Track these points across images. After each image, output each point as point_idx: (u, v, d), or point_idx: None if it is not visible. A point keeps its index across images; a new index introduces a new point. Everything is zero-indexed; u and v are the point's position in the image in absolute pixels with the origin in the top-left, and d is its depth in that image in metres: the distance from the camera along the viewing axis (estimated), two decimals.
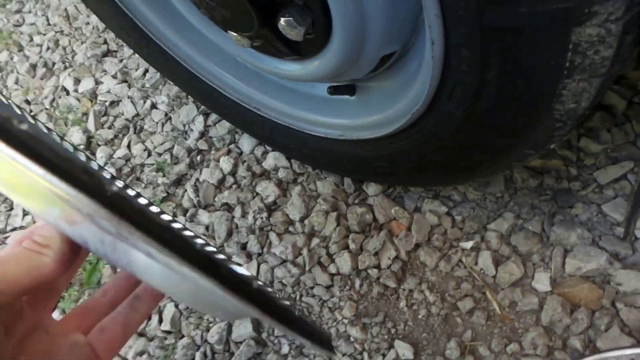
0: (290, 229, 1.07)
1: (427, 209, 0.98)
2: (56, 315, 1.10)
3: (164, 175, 1.26)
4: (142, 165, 1.33)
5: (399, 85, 0.77)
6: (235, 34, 0.74)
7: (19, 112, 0.29)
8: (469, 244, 0.91)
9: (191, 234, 0.33)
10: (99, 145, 1.45)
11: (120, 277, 0.41)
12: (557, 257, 0.85)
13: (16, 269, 0.29)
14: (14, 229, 1.35)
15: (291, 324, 0.33)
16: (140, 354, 1.00)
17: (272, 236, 1.07)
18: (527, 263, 0.88)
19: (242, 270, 0.32)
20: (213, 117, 1.31)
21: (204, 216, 1.15)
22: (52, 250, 0.30)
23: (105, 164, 1.38)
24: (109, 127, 1.48)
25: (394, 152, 0.82)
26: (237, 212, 1.14)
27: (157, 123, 1.39)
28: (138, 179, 1.31)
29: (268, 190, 1.13)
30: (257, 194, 1.15)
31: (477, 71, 0.54)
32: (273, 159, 1.17)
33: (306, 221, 1.06)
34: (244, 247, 1.08)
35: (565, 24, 0.44)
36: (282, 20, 0.65)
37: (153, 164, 1.30)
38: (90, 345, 0.35)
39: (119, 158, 1.36)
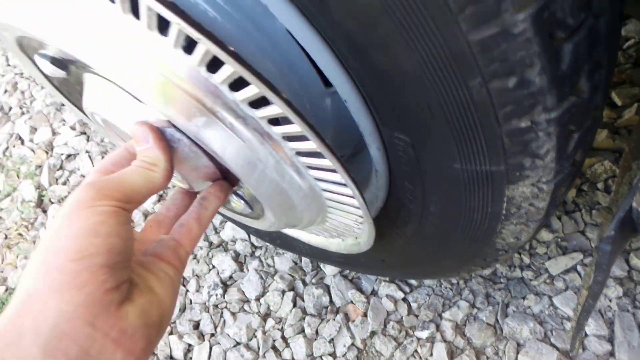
0: (246, 307, 1.04)
1: (384, 294, 0.96)
2: None
3: None
4: None
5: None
6: None
7: None
8: (424, 334, 0.90)
9: None
10: (52, 203, 1.39)
11: (176, 196, 0.47)
12: (510, 352, 0.85)
13: (138, 182, 0.36)
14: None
15: None
16: None
17: (227, 315, 1.03)
18: (481, 357, 0.87)
19: None
20: None
21: None
22: (159, 168, 0.38)
23: None
24: (64, 183, 1.42)
25: None
26: (192, 285, 1.09)
27: None
28: None
29: (225, 264, 1.09)
30: (214, 266, 1.11)
31: (420, 203, 0.54)
32: (231, 230, 1.14)
33: (262, 300, 1.03)
34: (196, 325, 1.04)
35: (499, 182, 0.44)
36: None
37: None
38: (174, 239, 0.41)
39: None
